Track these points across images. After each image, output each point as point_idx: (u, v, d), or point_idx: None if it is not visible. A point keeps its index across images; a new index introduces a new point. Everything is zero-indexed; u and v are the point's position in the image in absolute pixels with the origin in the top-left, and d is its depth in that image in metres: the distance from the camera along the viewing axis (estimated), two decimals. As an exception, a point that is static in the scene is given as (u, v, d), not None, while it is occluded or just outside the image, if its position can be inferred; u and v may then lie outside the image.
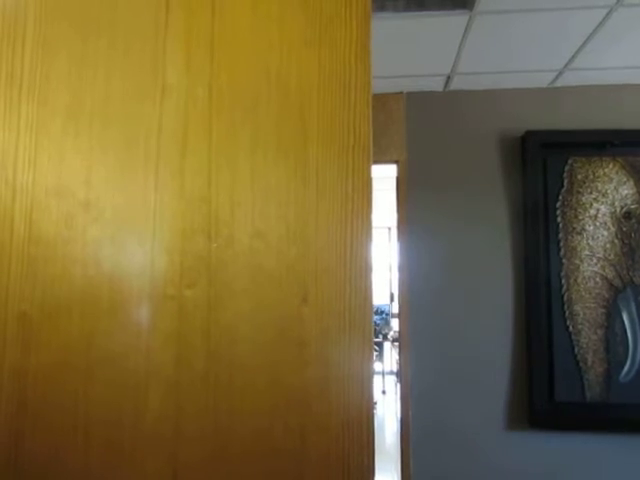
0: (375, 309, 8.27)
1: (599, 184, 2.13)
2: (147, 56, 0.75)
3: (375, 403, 6.79)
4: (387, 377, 7.57)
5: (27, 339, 0.71)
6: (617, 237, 2.10)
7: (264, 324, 0.71)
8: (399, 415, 2.32)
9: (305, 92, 0.74)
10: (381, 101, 2.41)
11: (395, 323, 7.28)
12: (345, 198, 0.73)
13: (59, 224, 0.72)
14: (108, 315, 0.70)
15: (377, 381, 7.41)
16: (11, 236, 0.72)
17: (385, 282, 8.01)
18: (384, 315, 8.30)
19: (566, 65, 2.06)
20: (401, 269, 2.35)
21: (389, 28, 1.84)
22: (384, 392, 7.35)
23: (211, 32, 0.76)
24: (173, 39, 0.75)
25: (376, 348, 7.74)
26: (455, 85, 2.30)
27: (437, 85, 2.33)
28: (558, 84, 2.22)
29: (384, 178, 2.96)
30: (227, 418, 0.70)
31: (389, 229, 7.77)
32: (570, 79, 2.17)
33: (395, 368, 6.94)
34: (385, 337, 7.77)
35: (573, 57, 2.00)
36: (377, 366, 7.61)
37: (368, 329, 0.71)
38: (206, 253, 0.71)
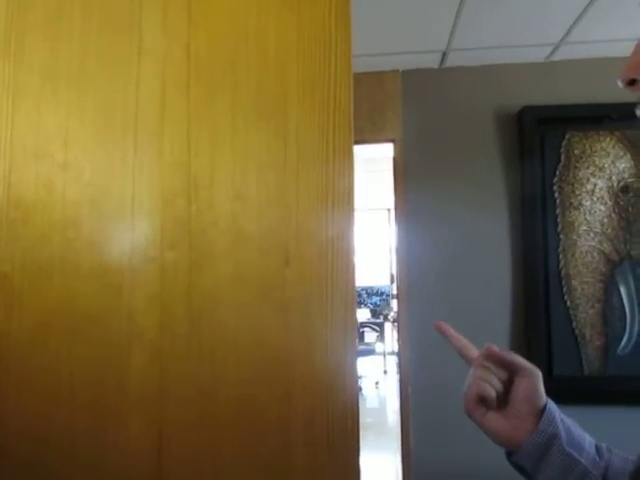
0: (375, 290, 8.29)
1: (596, 159, 2.11)
2: (123, 16, 0.74)
3: (377, 383, 6.84)
4: (388, 357, 7.61)
5: (9, 301, 0.71)
6: (614, 211, 2.09)
7: (246, 287, 0.71)
8: (399, 394, 2.34)
9: (284, 55, 0.74)
10: (377, 79, 2.39)
11: (395, 304, 7.29)
12: (326, 161, 0.73)
13: (38, 186, 0.72)
14: (89, 277, 0.71)
15: (378, 361, 7.46)
16: (-10, 199, 0.72)
17: (385, 263, 8.02)
18: (384, 296, 8.32)
19: (562, 39, 2.03)
20: (399, 250, 2.35)
21: (383, 3, 1.82)
22: (385, 372, 7.39)
23: (189, -7, 0.75)
24: (149, -1, 0.74)
25: (377, 329, 7.78)
26: (451, 62, 2.27)
27: (433, 62, 2.30)
28: (555, 58, 2.20)
29: (382, 158, 2.94)
30: (211, 380, 0.71)
31: (388, 210, 7.75)
32: (567, 53, 2.15)
33: (396, 348, 6.97)
34: (386, 318, 7.80)
35: (569, 30, 1.97)
36: (378, 347, 7.65)
37: (351, 291, 0.72)
38: (186, 216, 0.71)
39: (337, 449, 0.73)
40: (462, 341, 0.76)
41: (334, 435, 0.72)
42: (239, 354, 0.71)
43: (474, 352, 0.75)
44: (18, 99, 0.73)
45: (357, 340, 0.73)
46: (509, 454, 0.68)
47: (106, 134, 0.73)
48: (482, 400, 0.68)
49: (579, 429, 0.69)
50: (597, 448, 0.68)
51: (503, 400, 0.69)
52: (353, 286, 0.73)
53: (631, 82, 0.49)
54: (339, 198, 0.73)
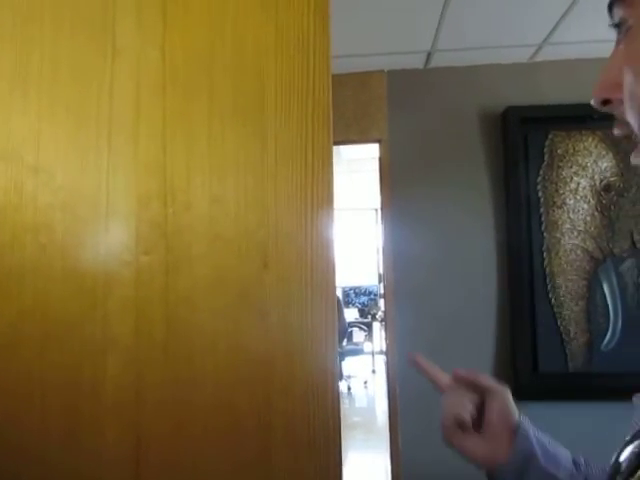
0: (363, 290, 8.30)
1: (579, 158, 2.13)
2: (96, 17, 0.73)
3: (365, 382, 6.85)
4: (377, 357, 7.63)
5: (-22, 307, 0.70)
6: (597, 210, 2.11)
7: (224, 290, 0.70)
8: (387, 393, 2.34)
9: (262, 56, 0.73)
10: (362, 80, 2.38)
11: (383, 303, 7.32)
12: (305, 164, 0.72)
13: (8, 189, 0.71)
14: (62, 281, 0.69)
15: (367, 361, 7.46)
16: (-42, 203, 0.71)
17: (373, 263, 8.03)
18: (372, 296, 8.33)
19: (545, 39, 2.05)
20: (386, 249, 2.35)
21: (368, 4, 1.82)
22: (374, 371, 7.40)
23: (164, -8, 0.74)
24: (122, -3, 0.73)
25: (365, 328, 7.79)
26: (436, 62, 2.28)
27: (418, 62, 2.31)
28: (538, 59, 2.21)
29: (368, 159, 2.94)
30: (189, 386, 0.70)
31: (376, 210, 7.77)
32: (550, 53, 2.16)
33: (384, 348, 6.99)
34: (374, 317, 7.81)
35: (552, 31, 1.98)
36: (367, 346, 7.66)
37: (331, 293, 0.71)
38: (162, 219, 0.70)
39: (319, 451, 0.72)
40: (432, 370, 0.75)
41: (315, 438, 0.72)
42: (217, 359, 0.70)
43: (445, 379, 0.74)
44: (-14, 100, 0.72)
45: (337, 342, 0.73)
46: (489, 476, 0.67)
47: (79, 136, 0.72)
48: (459, 426, 0.68)
49: (555, 444, 0.68)
50: (575, 462, 0.67)
51: (478, 423, 0.68)
52: (333, 287, 0.73)
53: (605, 102, 0.49)
54: (318, 199, 0.72)
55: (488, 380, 0.70)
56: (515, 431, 0.66)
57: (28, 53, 0.72)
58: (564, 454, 0.67)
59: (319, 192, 0.72)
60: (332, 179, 0.73)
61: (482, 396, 0.69)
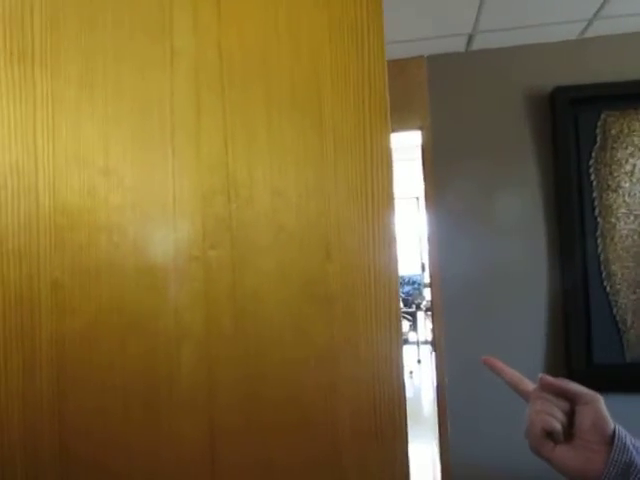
0: (407, 279, 8.23)
1: (635, 138, 2.04)
2: (154, 20, 0.74)
3: (411, 372, 6.82)
4: (422, 347, 7.58)
5: (61, 305, 0.73)
6: (655, 192, 2.03)
7: (289, 282, 0.71)
8: (435, 383, 2.32)
9: (317, 47, 0.73)
10: (401, 66, 2.35)
11: (427, 293, 7.25)
12: (363, 152, 0.72)
13: (82, 193, 0.74)
14: (135, 278, 0.72)
15: (412, 351, 7.43)
16: (37, 207, 0.74)
17: (416, 252, 7.95)
18: (416, 285, 8.25)
19: (596, 13, 1.96)
20: (431, 238, 2.32)
21: (406, -11, 1.79)
22: (419, 361, 7.36)
23: (217, -9, 0.75)
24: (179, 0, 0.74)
25: (410, 318, 7.74)
26: (477, 44, 2.23)
27: (459, 46, 2.26)
28: (588, 35, 2.12)
29: (409, 147, 2.91)
30: (258, 379, 0.71)
31: (417, 199, 7.68)
32: (600, 29, 2.07)
33: (429, 337, 6.94)
34: (418, 307, 7.75)
35: (603, 4, 1.90)
36: (412, 336, 7.62)
37: (394, 281, 0.71)
38: (227, 214, 0.72)
39: (386, 443, 0.72)
40: (515, 375, 0.72)
41: (382, 429, 0.72)
42: (284, 351, 0.71)
43: (529, 385, 0.71)
44: (57, 110, 0.75)
45: (401, 331, 0.73)
46: None
47: (144, 138, 0.74)
48: (548, 435, 0.64)
49: None
50: None
51: (568, 432, 0.65)
52: (396, 275, 0.72)
53: None
54: (379, 187, 0.72)
55: (578, 387, 0.67)
56: (610, 441, 0.63)
57: (93, 59, 0.75)
58: None
59: (379, 180, 0.72)
60: (392, 166, 0.72)
61: (572, 403, 0.66)
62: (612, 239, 2.05)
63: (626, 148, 2.04)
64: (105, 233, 0.73)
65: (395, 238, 0.71)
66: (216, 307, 0.72)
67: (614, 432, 0.64)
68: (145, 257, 0.73)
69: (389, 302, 0.71)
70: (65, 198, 0.74)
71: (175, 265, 0.72)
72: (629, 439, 0.63)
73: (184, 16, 0.74)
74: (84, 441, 0.73)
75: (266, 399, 0.71)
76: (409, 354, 7.36)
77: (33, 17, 0.76)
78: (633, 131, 2.04)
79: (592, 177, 2.06)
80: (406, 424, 0.72)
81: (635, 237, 2.03)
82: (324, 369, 0.71)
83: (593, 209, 2.07)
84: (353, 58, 0.73)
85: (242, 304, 0.71)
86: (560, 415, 0.65)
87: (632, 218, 2.03)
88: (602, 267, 2.05)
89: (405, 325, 7.83)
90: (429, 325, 7.04)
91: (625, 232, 2.04)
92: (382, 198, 0.71)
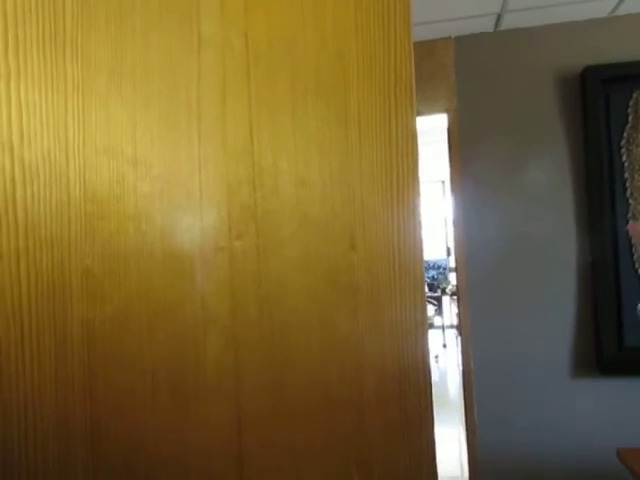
0: (432, 264, 8.18)
1: (669, 117, 1.98)
2: (182, 8, 0.75)
3: (436, 356, 6.81)
4: (447, 331, 7.56)
5: (92, 291, 0.75)
6: (690, 173, 1.96)
7: (314, 271, 0.72)
8: (461, 368, 2.32)
9: (342, 33, 0.72)
10: (428, 48, 2.31)
11: (453, 277, 7.21)
12: (389, 141, 0.71)
13: (111, 182, 0.75)
14: (163, 265, 0.74)
15: (437, 335, 7.42)
16: (68, 196, 0.76)
17: (441, 236, 7.89)
18: (441, 269, 8.20)
19: (630, -11, 1.89)
20: (456, 222, 2.30)
21: (432, -33, 1.75)
22: (445, 346, 7.35)
23: (243, -21, 0.74)
24: (205, -13, 0.74)
25: (435, 302, 7.71)
26: (506, 24, 2.17)
27: (487, 26, 2.20)
28: (619, 13, 2.05)
29: (435, 130, 2.87)
30: (283, 365, 0.72)
31: (443, 182, 7.60)
32: (632, 6, 2.00)
33: (455, 322, 6.92)
34: (444, 291, 7.72)
35: (637, -21, 1.83)
36: (437, 320, 7.60)
37: (419, 270, 0.71)
38: (252, 204, 0.72)
39: (412, 424, 0.73)
40: None
41: (408, 418, 0.72)
42: (309, 339, 0.72)
43: None
44: (87, 99, 0.76)
45: (427, 319, 0.73)
46: None
47: (171, 127, 0.75)
48: None
49: None
50: None
51: None
52: (421, 264, 0.72)
53: None
54: (404, 175, 0.71)
55: None
56: None
57: (122, 49, 0.75)
58: None
59: (404, 168, 0.71)
60: (417, 154, 0.72)
61: None
62: (644, 222, 2.00)
63: (660, 128, 1.97)
64: (134, 221, 0.75)
65: (420, 225, 0.71)
66: (242, 294, 0.73)
67: None
68: (172, 245, 0.74)
69: (414, 288, 0.71)
70: (95, 187, 0.76)
71: (202, 253, 0.73)
72: None
73: (211, 4, 0.75)
74: (114, 419, 0.76)
75: (291, 384, 0.73)
76: (435, 338, 7.36)
77: (65, 3, 0.77)
78: (668, 111, 1.97)
79: (624, 158, 2.01)
80: (432, 407, 0.72)
81: (668, 220, 1.97)
82: (349, 355, 0.72)
83: (624, 190, 2.02)
84: (379, 43, 0.72)
85: (267, 291, 0.72)
86: None
87: (665, 201, 1.98)
88: (633, 250, 2.01)
89: (430, 309, 7.81)
90: (454, 309, 7.00)
91: (658, 215, 1.99)
92: (407, 186, 0.71)
